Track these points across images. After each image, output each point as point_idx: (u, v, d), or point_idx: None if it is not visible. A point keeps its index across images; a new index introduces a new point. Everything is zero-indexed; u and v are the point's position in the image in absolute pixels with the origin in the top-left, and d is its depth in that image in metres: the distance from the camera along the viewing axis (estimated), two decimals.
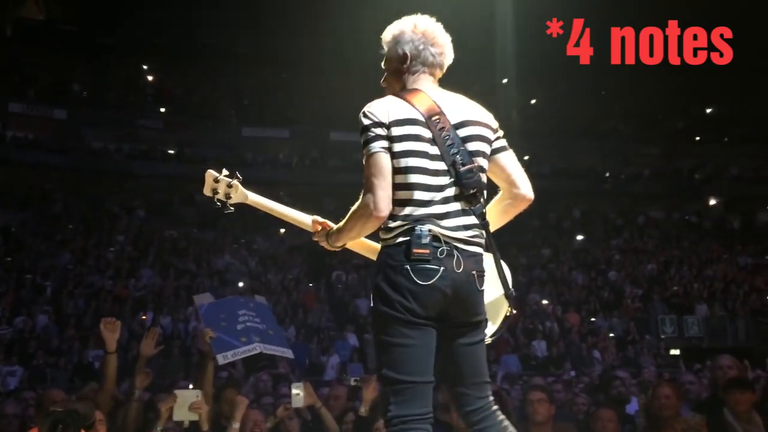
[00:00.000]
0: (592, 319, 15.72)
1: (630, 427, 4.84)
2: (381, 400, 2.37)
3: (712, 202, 26.68)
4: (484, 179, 2.40)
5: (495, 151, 2.46)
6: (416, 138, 2.29)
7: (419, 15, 2.49)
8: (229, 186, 2.69)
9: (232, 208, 2.74)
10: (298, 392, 4.32)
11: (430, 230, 2.25)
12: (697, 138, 27.93)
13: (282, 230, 20.22)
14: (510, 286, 2.45)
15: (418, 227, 2.26)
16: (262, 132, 24.38)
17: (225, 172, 2.71)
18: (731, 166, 27.28)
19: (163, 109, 24.92)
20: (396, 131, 2.29)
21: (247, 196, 2.71)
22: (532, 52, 18.20)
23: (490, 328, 2.49)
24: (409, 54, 2.44)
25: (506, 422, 2.37)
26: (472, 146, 2.36)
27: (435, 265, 2.24)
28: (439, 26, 2.49)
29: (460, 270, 2.27)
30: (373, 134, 2.30)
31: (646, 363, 12.40)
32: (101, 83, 23.78)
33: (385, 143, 2.29)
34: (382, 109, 2.33)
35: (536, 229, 21.00)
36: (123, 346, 10.69)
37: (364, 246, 2.66)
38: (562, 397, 5.44)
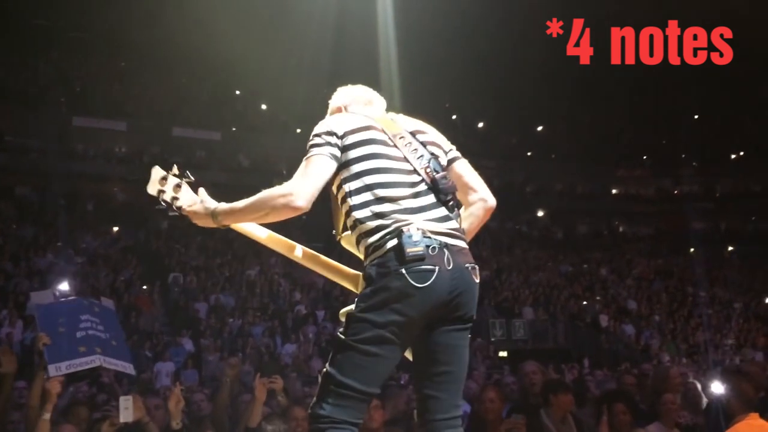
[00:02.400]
0: None
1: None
2: (318, 394, 2.22)
3: (540, 213, 28.86)
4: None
5: (450, 161, 2.48)
6: (373, 141, 2.32)
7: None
8: (178, 186, 2.44)
9: (177, 212, 2.45)
10: (126, 406, 4.00)
11: (419, 228, 2.20)
12: (529, 153, 30.09)
13: (115, 228, 19.00)
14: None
15: (405, 227, 2.20)
16: (95, 123, 22.71)
17: (175, 169, 2.45)
18: (556, 182, 29.70)
19: None
20: (351, 139, 2.31)
21: (199, 201, 2.43)
22: (381, 64, 18.60)
23: None
24: (342, 103, 2.56)
25: None
26: (431, 150, 2.41)
27: (430, 265, 2.16)
28: (361, 86, 2.62)
29: (451, 266, 2.20)
30: (322, 140, 2.29)
31: (476, 365, 13.04)
32: None
33: (334, 151, 2.29)
34: (336, 121, 2.37)
35: None
36: None
37: (327, 266, 2.57)
38: (400, 404, 5.49)
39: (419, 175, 2.32)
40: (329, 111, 2.59)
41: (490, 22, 20.33)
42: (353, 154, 2.30)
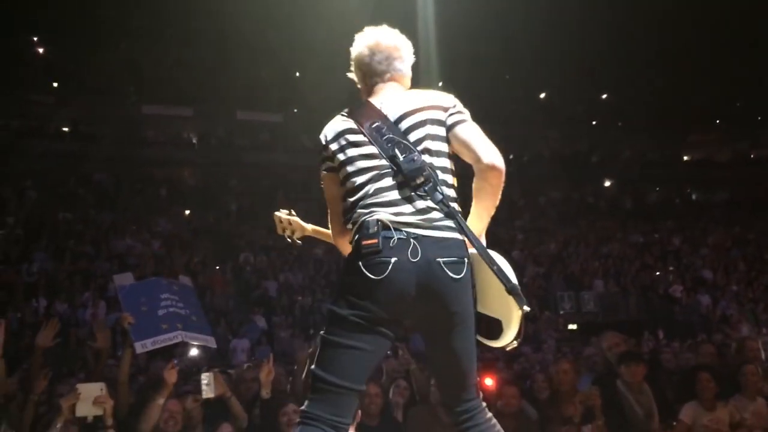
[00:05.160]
0: None
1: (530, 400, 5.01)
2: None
3: (607, 183, 28.13)
4: (439, 162, 2.30)
5: (450, 128, 2.33)
6: (349, 145, 2.32)
7: (366, 31, 2.52)
8: (290, 223, 2.96)
9: (299, 242, 3.02)
10: (207, 382, 4.19)
11: (378, 220, 2.16)
12: (593, 122, 29.28)
13: (187, 211, 19.64)
14: (511, 279, 2.20)
15: (365, 219, 2.19)
16: (163, 110, 23.51)
17: (284, 211, 2.99)
18: (623, 150, 28.84)
19: (55, 84, 23.47)
20: (332, 147, 2.36)
21: (305, 228, 2.97)
22: (440, 41, 18.45)
23: (508, 334, 2.25)
24: (356, 75, 2.54)
25: (493, 421, 2.30)
26: (414, 135, 2.29)
27: (386, 257, 2.11)
28: (383, 32, 2.51)
29: (418, 258, 2.12)
30: (320, 158, 2.45)
31: (546, 338, 12.94)
32: None
33: (328, 163, 2.42)
34: (326, 130, 2.43)
35: None
36: (15, 333, 10.10)
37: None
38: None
39: (391, 168, 2.25)
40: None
41: None
42: (336, 161, 2.37)
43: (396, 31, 2.52)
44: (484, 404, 2.33)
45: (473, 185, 2.32)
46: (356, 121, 2.34)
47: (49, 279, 13.43)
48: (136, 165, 21.87)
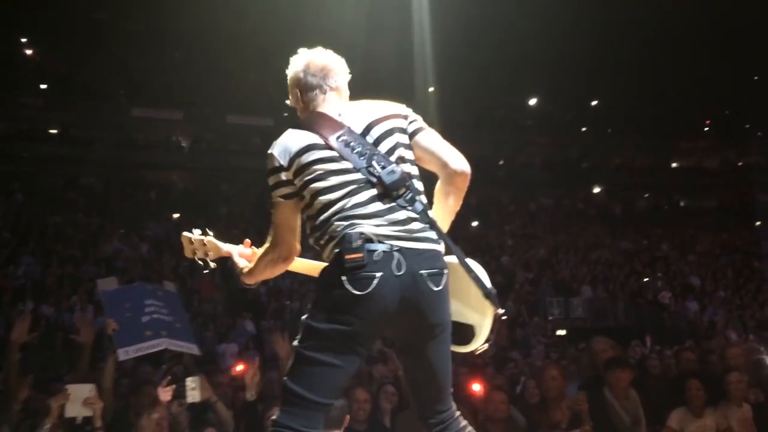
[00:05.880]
0: None
1: (519, 406, 5.02)
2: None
3: (597, 189, 28.27)
4: (413, 170, 2.27)
5: (412, 135, 2.32)
6: (317, 161, 2.21)
7: (298, 53, 2.46)
8: (203, 244, 2.67)
9: (213, 264, 2.71)
10: (193, 386, 4.16)
11: (361, 233, 2.11)
12: (584, 129, 29.43)
13: (175, 215, 19.56)
14: (487, 284, 2.25)
15: (347, 231, 2.12)
16: (153, 113, 23.44)
17: (197, 231, 2.69)
18: (613, 156, 28.99)
19: (44, 86, 23.35)
20: (296, 165, 2.22)
21: (222, 250, 2.67)
22: (432, 47, 18.50)
23: (480, 338, 2.29)
24: (292, 97, 2.45)
25: (469, 428, 2.29)
26: (384, 146, 2.25)
27: (370, 271, 2.07)
28: (315, 51, 2.46)
29: (402, 272, 2.10)
30: (274, 181, 2.26)
31: (535, 344, 12.96)
32: None
33: (285, 189, 2.25)
34: (281, 148, 2.26)
35: None
36: (1, 338, 10.00)
37: (306, 267, 2.59)
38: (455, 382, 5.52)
39: (368, 182, 2.18)
40: (289, 89, 2.47)
41: None
42: (303, 179, 2.22)
43: (329, 51, 2.48)
44: (458, 412, 2.32)
45: (439, 189, 2.32)
46: (319, 135, 2.24)
47: (36, 282, 13.33)
48: (125, 168, 21.78)
